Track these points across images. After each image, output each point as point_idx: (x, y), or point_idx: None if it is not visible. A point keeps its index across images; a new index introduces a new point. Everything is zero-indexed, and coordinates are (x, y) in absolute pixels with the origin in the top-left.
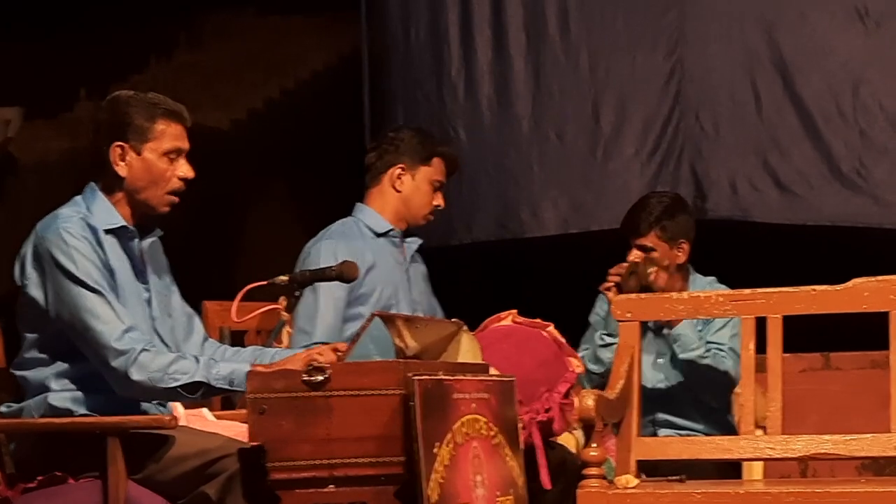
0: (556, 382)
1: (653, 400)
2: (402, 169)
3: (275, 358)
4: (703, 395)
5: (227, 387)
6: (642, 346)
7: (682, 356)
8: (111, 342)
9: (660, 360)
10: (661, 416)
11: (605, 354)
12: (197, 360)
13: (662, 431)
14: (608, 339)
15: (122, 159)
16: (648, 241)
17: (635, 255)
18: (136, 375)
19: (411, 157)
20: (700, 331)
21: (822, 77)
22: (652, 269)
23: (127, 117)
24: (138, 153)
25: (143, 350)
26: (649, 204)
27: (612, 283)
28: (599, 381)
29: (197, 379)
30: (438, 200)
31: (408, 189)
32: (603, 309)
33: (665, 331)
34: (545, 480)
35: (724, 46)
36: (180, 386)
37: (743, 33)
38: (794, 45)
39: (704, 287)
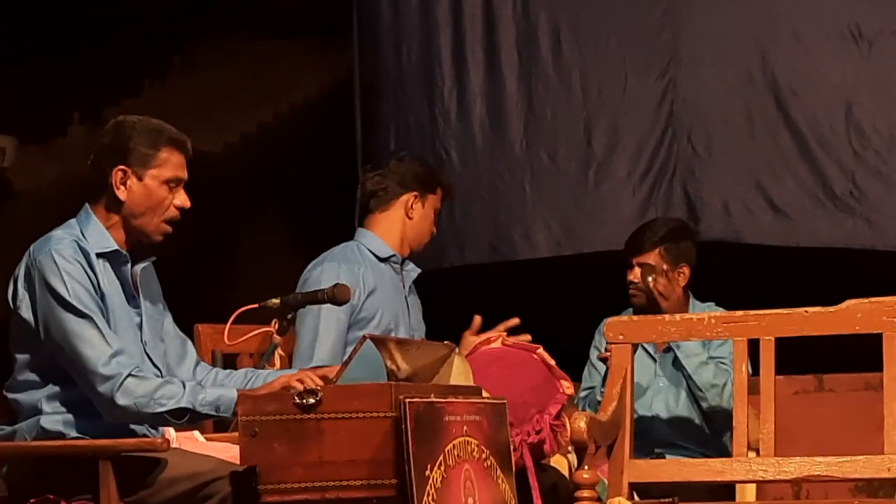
0: (547, 404)
1: (655, 423)
2: (416, 196)
3: (267, 380)
4: (705, 412)
5: (213, 412)
6: (642, 372)
7: (685, 362)
8: (98, 367)
9: (660, 384)
10: (666, 439)
11: (602, 365)
12: (184, 385)
13: (671, 455)
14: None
15: (123, 183)
16: (650, 259)
17: (634, 274)
18: (121, 400)
19: (421, 186)
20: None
21: (815, 99)
22: (651, 276)
23: (131, 142)
24: (140, 178)
25: (130, 375)
26: (655, 224)
27: (610, 352)
28: (593, 390)
29: (182, 405)
30: (434, 227)
31: (418, 216)
32: (602, 367)
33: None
34: (537, 502)
35: (718, 68)
36: (166, 411)
37: (736, 55)
38: (787, 66)
39: (702, 312)
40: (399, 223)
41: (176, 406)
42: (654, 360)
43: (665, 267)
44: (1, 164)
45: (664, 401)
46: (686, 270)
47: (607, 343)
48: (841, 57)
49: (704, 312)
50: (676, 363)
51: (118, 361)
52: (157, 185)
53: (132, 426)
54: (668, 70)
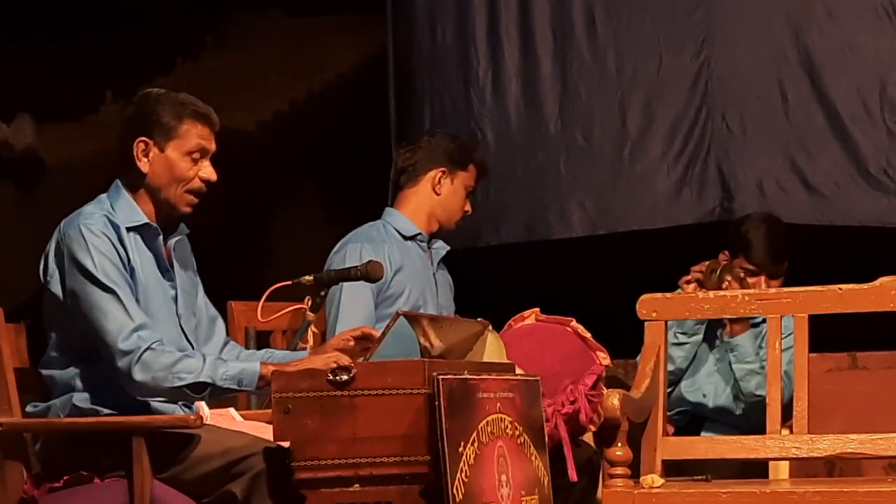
0: (582, 375)
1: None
2: (444, 172)
3: (285, 359)
4: (748, 410)
5: (235, 387)
6: (700, 356)
7: (735, 366)
8: (118, 342)
9: (715, 368)
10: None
11: (677, 353)
12: (204, 359)
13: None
14: (681, 338)
15: (145, 155)
16: (780, 269)
17: (761, 281)
18: (139, 375)
19: (451, 162)
20: (760, 348)
21: (849, 77)
22: (728, 278)
23: (154, 114)
24: (161, 150)
25: (148, 349)
26: (782, 234)
27: (693, 279)
28: (670, 378)
29: (202, 379)
30: (468, 206)
31: (446, 193)
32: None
33: (725, 339)
34: (572, 473)
35: (752, 47)
36: (185, 385)
37: (770, 33)
38: (821, 44)
39: None
40: (427, 200)
41: (195, 380)
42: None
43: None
44: (26, 142)
45: (713, 383)
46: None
47: (694, 274)
48: (875, 35)
49: (738, 290)
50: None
51: (139, 336)
52: (180, 157)
53: (165, 402)
54: (703, 49)
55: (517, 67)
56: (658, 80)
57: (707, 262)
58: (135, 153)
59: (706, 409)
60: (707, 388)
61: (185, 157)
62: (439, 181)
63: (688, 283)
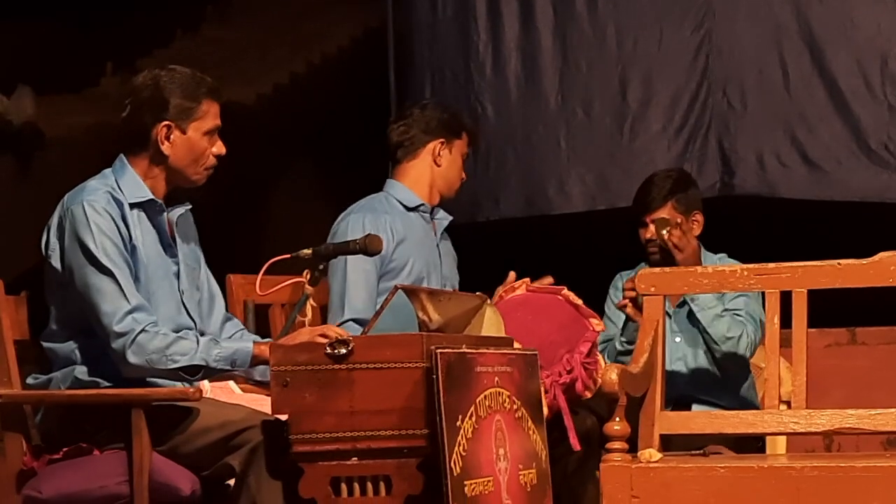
0: (577, 343)
1: (675, 379)
2: (442, 143)
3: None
4: (722, 361)
5: (228, 367)
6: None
7: (699, 315)
8: (112, 324)
9: (676, 340)
10: (688, 394)
11: (627, 360)
12: (198, 340)
13: (696, 407)
14: (627, 346)
15: (168, 138)
16: (664, 212)
17: (650, 231)
18: (133, 358)
19: (448, 132)
20: (716, 299)
21: (850, 51)
22: (666, 230)
23: (172, 97)
24: (183, 132)
25: (142, 331)
26: (659, 178)
27: (628, 300)
28: None
29: (196, 362)
30: (463, 174)
31: (446, 163)
32: (615, 314)
33: (669, 309)
34: (574, 442)
35: (752, 21)
36: (179, 368)
37: (771, 7)
38: (822, 19)
39: (715, 264)
40: (428, 171)
41: (189, 363)
42: (669, 315)
43: (679, 219)
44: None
45: (682, 357)
46: (700, 217)
47: (627, 293)
48: (876, 8)
49: (736, 265)
50: (691, 317)
51: (133, 318)
52: (199, 137)
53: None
54: (703, 23)
55: (517, 41)
56: (658, 54)
57: (632, 277)
58: (158, 137)
59: (685, 382)
60: (676, 362)
61: (204, 137)
62: (439, 153)
63: (623, 306)
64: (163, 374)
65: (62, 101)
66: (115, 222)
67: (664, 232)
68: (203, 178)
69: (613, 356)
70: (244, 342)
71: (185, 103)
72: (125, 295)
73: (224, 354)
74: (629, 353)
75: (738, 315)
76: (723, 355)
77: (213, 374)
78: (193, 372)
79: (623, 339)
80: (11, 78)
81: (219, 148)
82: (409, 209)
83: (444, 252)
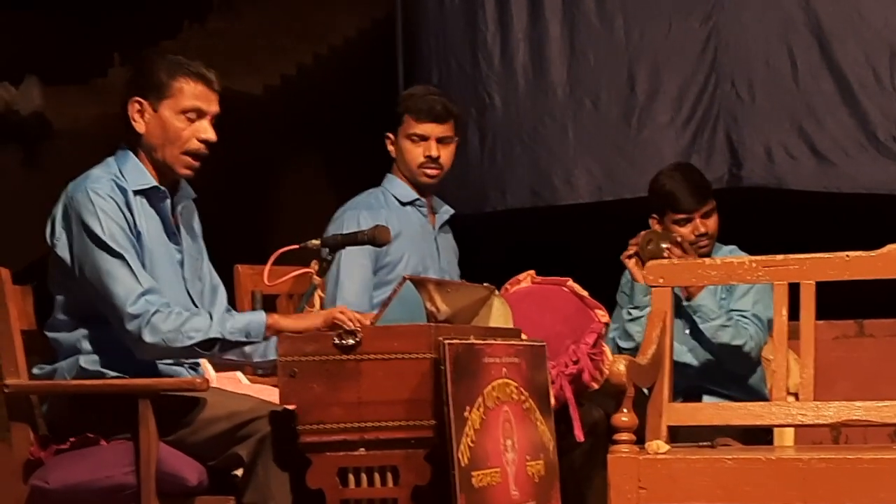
0: (582, 334)
1: (685, 370)
2: (390, 139)
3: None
4: (728, 365)
5: (243, 339)
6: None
7: (702, 326)
8: (126, 306)
9: (686, 331)
10: (698, 385)
11: (634, 328)
12: (211, 316)
13: (707, 398)
14: (635, 313)
15: (141, 116)
16: (711, 206)
17: (706, 225)
18: (148, 338)
19: (393, 124)
20: (723, 299)
21: (858, 43)
22: (667, 245)
23: (149, 74)
24: (155, 110)
25: (157, 311)
26: (696, 173)
27: (633, 252)
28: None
29: (211, 336)
30: (430, 150)
31: (398, 153)
32: (627, 285)
33: (685, 303)
34: (578, 433)
35: (761, 13)
36: (195, 343)
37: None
38: (830, 11)
39: (725, 255)
40: (397, 165)
41: (205, 337)
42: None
43: (717, 216)
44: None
45: (693, 348)
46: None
47: (631, 247)
48: (884, 1)
49: (744, 256)
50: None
51: (147, 300)
52: (173, 116)
53: (172, 366)
54: (712, 15)
55: (525, 31)
56: (667, 46)
57: (643, 233)
58: (130, 113)
59: (696, 373)
60: (685, 354)
61: (178, 116)
62: (392, 147)
63: (629, 257)
64: (179, 351)
65: (69, 92)
66: (119, 208)
67: (664, 246)
68: (184, 166)
69: (622, 332)
70: (257, 314)
71: (158, 80)
72: (137, 278)
73: (238, 325)
74: (637, 320)
75: (742, 317)
76: (729, 358)
77: (229, 346)
78: (209, 346)
79: (631, 306)
80: (19, 68)
81: (206, 134)
82: (403, 204)
83: (442, 245)
